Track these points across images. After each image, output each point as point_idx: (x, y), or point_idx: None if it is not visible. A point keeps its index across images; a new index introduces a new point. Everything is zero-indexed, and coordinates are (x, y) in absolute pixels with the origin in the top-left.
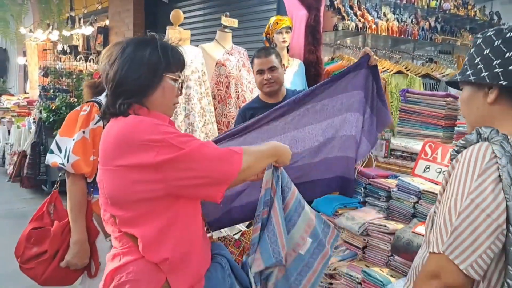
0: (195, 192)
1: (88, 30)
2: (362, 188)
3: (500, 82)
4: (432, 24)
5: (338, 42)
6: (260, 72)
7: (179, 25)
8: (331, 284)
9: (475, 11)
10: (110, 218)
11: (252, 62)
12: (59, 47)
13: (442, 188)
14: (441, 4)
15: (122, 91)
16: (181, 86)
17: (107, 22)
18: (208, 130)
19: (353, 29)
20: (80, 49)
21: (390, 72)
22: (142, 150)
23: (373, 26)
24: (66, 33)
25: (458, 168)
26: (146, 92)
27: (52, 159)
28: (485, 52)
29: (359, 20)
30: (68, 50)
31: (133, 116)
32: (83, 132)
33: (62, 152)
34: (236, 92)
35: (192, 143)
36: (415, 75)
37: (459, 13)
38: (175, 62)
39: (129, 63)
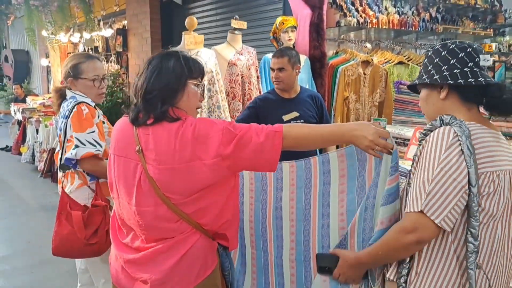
0: (255, 164)
1: (108, 32)
2: None
3: (448, 82)
4: (433, 14)
5: (342, 37)
6: (272, 69)
7: (193, 30)
8: None
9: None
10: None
11: None
12: (81, 48)
13: (415, 163)
14: None
15: (152, 97)
16: (203, 92)
17: (125, 23)
18: None
19: (355, 25)
20: (100, 50)
21: (391, 63)
22: (211, 144)
23: (374, 21)
24: (86, 35)
25: (428, 146)
26: (175, 97)
27: (83, 151)
28: (435, 61)
29: (360, 16)
30: (89, 52)
31: (187, 119)
32: (95, 125)
33: (89, 143)
34: (243, 89)
35: (241, 125)
36: (417, 64)
37: (460, 2)
38: (196, 69)
39: (157, 73)
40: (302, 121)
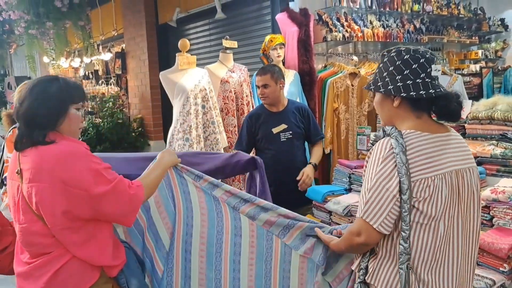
0: (112, 219)
1: (107, 56)
2: (347, 178)
3: (402, 94)
4: (418, 25)
5: (330, 51)
6: (258, 87)
7: (186, 52)
8: None
9: (459, 9)
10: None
11: None
12: (81, 72)
13: (364, 173)
14: (424, 7)
15: (35, 124)
16: (86, 114)
17: (123, 46)
18: (213, 139)
19: (341, 39)
20: (100, 73)
21: None
22: (84, 171)
23: (359, 34)
24: (86, 60)
25: (371, 157)
26: (56, 122)
27: None
28: (390, 69)
29: (346, 30)
30: (89, 76)
31: (62, 143)
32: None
33: None
34: (236, 105)
35: (115, 177)
36: None
37: (443, 13)
38: (77, 94)
39: (39, 99)
40: (290, 132)
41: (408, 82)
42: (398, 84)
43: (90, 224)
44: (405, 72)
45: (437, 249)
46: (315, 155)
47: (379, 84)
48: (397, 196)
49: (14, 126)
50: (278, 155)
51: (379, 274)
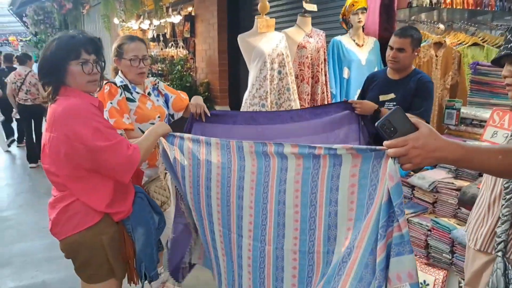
0: (108, 175)
1: (177, 18)
2: None
3: None
4: None
5: (413, 18)
6: (390, 47)
7: (265, 14)
8: None
9: None
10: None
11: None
12: (149, 35)
13: None
14: None
15: (44, 80)
16: (95, 64)
17: (189, 9)
18: (287, 106)
19: (427, 5)
20: (167, 36)
21: (465, 44)
22: (83, 127)
23: (448, 1)
24: (156, 22)
25: None
26: (60, 78)
27: None
28: None
29: None
30: (158, 38)
31: (69, 99)
32: (111, 103)
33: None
34: (312, 72)
35: (116, 137)
36: (493, 46)
37: None
38: (75, 50)
39: (43, 59)
40: (394, 104)
41: None
42: None
43: (92, 176)
44: None
45: None
46: None
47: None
48: None
49: (110, 81)
50: None
51: None
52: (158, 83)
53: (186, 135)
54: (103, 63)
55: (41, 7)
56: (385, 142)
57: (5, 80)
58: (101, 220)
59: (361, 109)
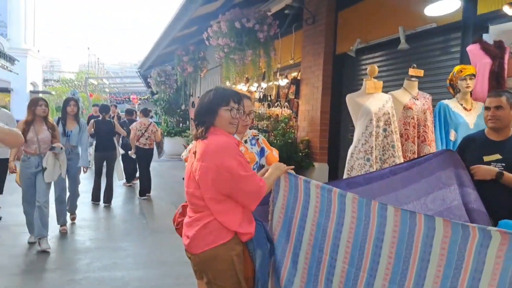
0: (240, 201)
1: (284, 82)
2: None
3: None
4: None
5: None
6: (487, 108)
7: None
8: None
9: None
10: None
11: None
12: (256, 95)
13: None
14: None
15: (199, 121)
16: (239, 111)
17: (294, 74)
18: (391, 162)
19: None
20: (272, 97)
21: None
22: (231, 159)
23: None
24: (263, 84)
25: None
26: (211, 120)
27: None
28: None
29: None
30: (265, 98)
31: (220, 137)
32: None
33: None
34: (418, 132)
35: (251, 171)
36: None
37: None
38: (225, 99)
39: (200, 104)
40: (503, 164)
41: None
42: None
43: (228, 201)
44: None
45: None
46: None
47: None
48: None
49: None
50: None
51: None
52: (259, 135)
53: (301, 177)
54: (242, 112)
55: (163, 70)
56: None
57: (130, 127)
58: (232, 238)
59: (479, 175)
